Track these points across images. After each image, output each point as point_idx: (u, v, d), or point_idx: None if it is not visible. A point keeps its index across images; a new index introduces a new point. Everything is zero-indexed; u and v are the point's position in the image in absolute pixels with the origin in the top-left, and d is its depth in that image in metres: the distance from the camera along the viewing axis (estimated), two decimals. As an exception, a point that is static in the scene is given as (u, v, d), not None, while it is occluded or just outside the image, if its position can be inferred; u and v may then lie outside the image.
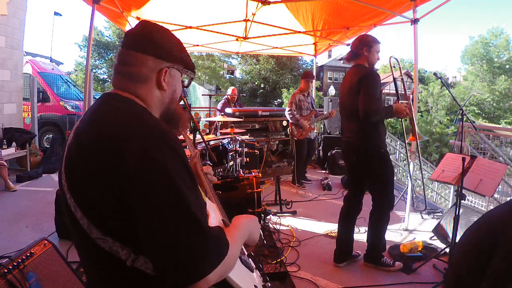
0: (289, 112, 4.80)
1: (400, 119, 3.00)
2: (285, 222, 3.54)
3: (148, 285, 0.79)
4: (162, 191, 0.73)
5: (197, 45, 6.14)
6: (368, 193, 2.68)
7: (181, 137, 1.20)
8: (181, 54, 0.94)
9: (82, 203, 0.77)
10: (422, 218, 3.77)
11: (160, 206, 0.72)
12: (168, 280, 0.74)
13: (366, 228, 2.66)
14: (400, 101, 2.58)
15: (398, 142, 7.54)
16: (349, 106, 2.48)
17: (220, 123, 4.34)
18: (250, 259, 1.18)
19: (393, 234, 3.27)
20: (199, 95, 12.36)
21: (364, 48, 2.45)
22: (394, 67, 2.92)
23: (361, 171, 2.57)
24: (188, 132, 3.10)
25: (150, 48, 0.89)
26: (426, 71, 37.97)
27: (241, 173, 3.39)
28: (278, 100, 28.09)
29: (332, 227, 3.45)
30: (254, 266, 1.17)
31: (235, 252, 0.86)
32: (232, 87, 6.25)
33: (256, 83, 29.03)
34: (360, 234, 3.22)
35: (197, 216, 0.75)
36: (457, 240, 2.40)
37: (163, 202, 0.72)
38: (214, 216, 1.05)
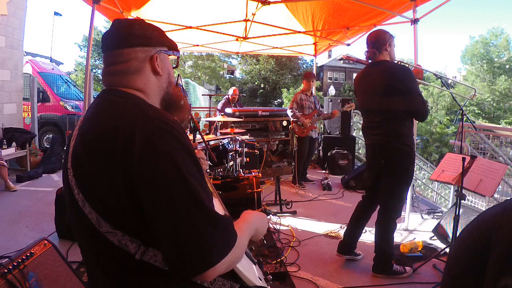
0: (291, 110, 4.84)
1: None
2: (285, 222, 3.54)
3: (155, 279, 0.80)
4: (170, 182, 0.73)
5: (197, 45, 6.15)
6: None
7: None
8: (163, 38, 0.96)
9: (91, 197, 0.78)
10: (422, 218, 3.77)
11: (169, 196, 0.73)
12: (177, 269, 0.74)
13: (371, 229, 2.64)
14: None
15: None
16: (383, 104, 2.33)
17: (220, 123, 4.34)
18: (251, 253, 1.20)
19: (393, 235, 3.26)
20: (199, 95, 12.37)
21: (386, 44, 2.36)
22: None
23: (384, 174, 2.45)
24: (188, 132, 3.09)
25: (134, 40, 0.89)
26: (426, 71, 37.92)
27: (241, 173, 3.39)
28: (278, 100, 28.09)
29: (332, 227, 3.45)
30: (256, 261, 1.18)
31: (243, 243, 0.87)
32: (234, 88, 6.26)
33: (256, 83, 29.03)
34: (365, 234, 3.21)
35: (206, 205, 0.76)
36: (457, 240, 2.39)
37: (172, 192, 0.73)
38: (217, 208, 1.06)
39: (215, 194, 1.22)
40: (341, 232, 3.32)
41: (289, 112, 4.87)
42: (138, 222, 0.75)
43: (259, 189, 2.97)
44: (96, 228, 0.77)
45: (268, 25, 4.95)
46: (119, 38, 0.90)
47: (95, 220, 0.77)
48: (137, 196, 0.74)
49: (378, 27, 4.40)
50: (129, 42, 0.89)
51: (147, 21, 0.97)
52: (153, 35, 0.93)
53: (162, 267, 0.78)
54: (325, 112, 5.57)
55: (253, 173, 3.13)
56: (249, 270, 0.97)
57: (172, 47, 0.98)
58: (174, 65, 1.03)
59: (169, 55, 0.98)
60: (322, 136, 6.56)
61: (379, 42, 2.37)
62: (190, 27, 5.06)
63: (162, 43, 0.95)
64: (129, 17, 4.47)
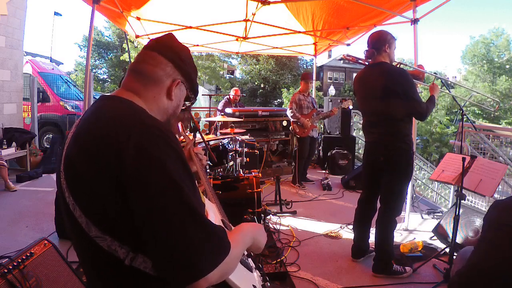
0: (290, 111, 4.83)
1: None
2: (285, 222, 3.54)
3: (146, 285, 0.79)
4: (161, 186, 0.73)
5: (197, 45, 6.15)
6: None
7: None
8: (194, 76, 0.99)
9: (81, 201, 0.77)
10: (422, 218, 3.77)
11: (159, 202, 0.72)
12: (168, 278, 0.74)
13: (371, 229, 2.64)
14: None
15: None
16: (380, 106, 2.36)
17: (220, 123, 4.34)
18: (249, 259, 1.19)
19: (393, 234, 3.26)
20: (199, 95, 12.36)
21: (386, 45, 2.37)
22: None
23: (382, 172, 2.48)
24: (188, 132, 3.09)
25: (172, 56, 0.93)
26: (426, 71, 37.86)
27: (241, 173, 3.39)
28: (278, 100, 28.09)
29: (332, 227, 3.45)
30: (254, 266, 1.17)
31: (237, 254, 0.86)
32: (235, 88, 6.26)
33: (256, 83, 29.02)
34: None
35: (198, 212, 0.75)
36: (457, 240, 2.40)
37: (163, 197, 0.73)
38: (214, 217, 1.05)
39: (214, 199, 1.21)
40: (341, 232, 3.33)
41: (288, 113, 4.87)
42: (128, 227, 0.75)
43: (259, 189, 2.97)
44: (86, 232, 0.77)
45: (268, 25, 4.94)
46: (164, 46, 0.94)
47: (84, 224, 0.77)
48: (128, 200, 0.73)
49: (378, 27, 4.40)
50: (166, 53, 0.92)
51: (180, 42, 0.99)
52: (188, 67, 0.96)
53: (152, 273, 0.77)
54: (324, 111, 5.57)
55: (253, 173, 3.13)
56: (242, 279, 0.96)
57: (194, 90, 1.01)
58: (184, 107, 1.05)
59: (188, 93, 1.00)
60: (322, 136, 6.56)
61: (379, 42, 2.38)
62: (190, 27, 5.06)
63: (190, 80, 0.97)
64: (130, 18, 4.48)
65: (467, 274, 1.34)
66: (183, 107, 1.04)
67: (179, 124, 2.08)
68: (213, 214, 1.08)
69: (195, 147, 1.36)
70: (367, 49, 2.44)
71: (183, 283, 0.73)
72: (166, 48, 0.93)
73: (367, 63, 2.51)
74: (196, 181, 0.90)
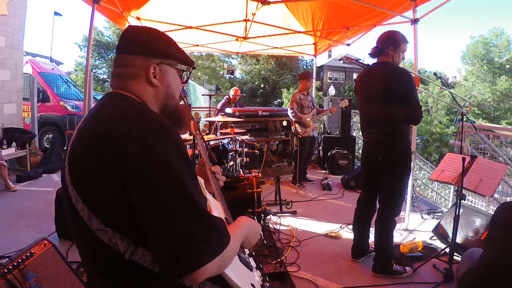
0: (292, 110, 4.81)
1: None
2: (285, 222, 3.54)
3: (146, 280, 0.80)
4: (162, 181, 0.74)
5: (197, 45, 6.15)
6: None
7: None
8: (169, 50, 0.95)
9: (84, 193, 0.79)
10: (422, 218, 3.77)
11: (160, 196, 0.74)
12: (167, 270, 0.75)
13: (371, 229, 2.64)
14: None
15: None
16: (380, 106, 2.35)
17: (220, 123, 4.34)
18: (251, 259, 1.18)
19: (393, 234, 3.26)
20: (199, 95, 12.37)
21: (391, 46, 2.33)
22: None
23: (382, 172, 2.48)
24: (188, 132, 3.08)
25: (136, 48, 0.92)
26: (426, 71, 37.91)
27: (241, 173, 3.39)
28: (278, 100, 28.10)
29: (332, 227, 3.45)
30: (255, 266, 1.17)
31: (235, 246, 0.88)
32: (235, 88, 6.26)
33: (256, 83, 29.03)
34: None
35: (198, 204, 0.77)
36: (457, 240, 2.40)
37: (162, 192, 0.74)
38: (217, 213, 1.06)
39: (219, 197, 1.22)
40: (341, 232, 3.33)
41: (289, 113, 4.86)
42: (130, 219, 0.76)
43: (259, 189, 2.97)
44: (88, 226, 0.78)
45: (268, 25, 4.95)
46: (123, 44, 0.94)
47: (86, 217, 0.78)
48: (129, 196, 0.74)
49: (378, 27, 4.41)
50: (130, 49, 0.92)
51: (156, 29, 0.98)
52: (157, 46, 0.93)
53: (151, 268, 0.78)
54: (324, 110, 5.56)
55: (253, 173, 3.13)
56: (240, 277, 0.96)
57: (182, 60, 0.98)
58: (184, 80, 1.02)
59: (176, 68, 0.97)
60: (322, 136, 6.56)
61: (384, 42, 2.37)
62: (190, 27, 5.06)
63: (168, 56, 0.94)
64: (130, 18, 4.48)
65: (477, 275, 1.37)
66: (185, 80, 1.03)
67: (192, 123, 2.04)
68: (216, 210, 1.08)
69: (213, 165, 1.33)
70: (374, 46, 2.44)
71: (182, 273, 0.74)
72: (128, 45, 0.93)
73: (366, 66, 2.51)
74: (197, 175, 0.91)
